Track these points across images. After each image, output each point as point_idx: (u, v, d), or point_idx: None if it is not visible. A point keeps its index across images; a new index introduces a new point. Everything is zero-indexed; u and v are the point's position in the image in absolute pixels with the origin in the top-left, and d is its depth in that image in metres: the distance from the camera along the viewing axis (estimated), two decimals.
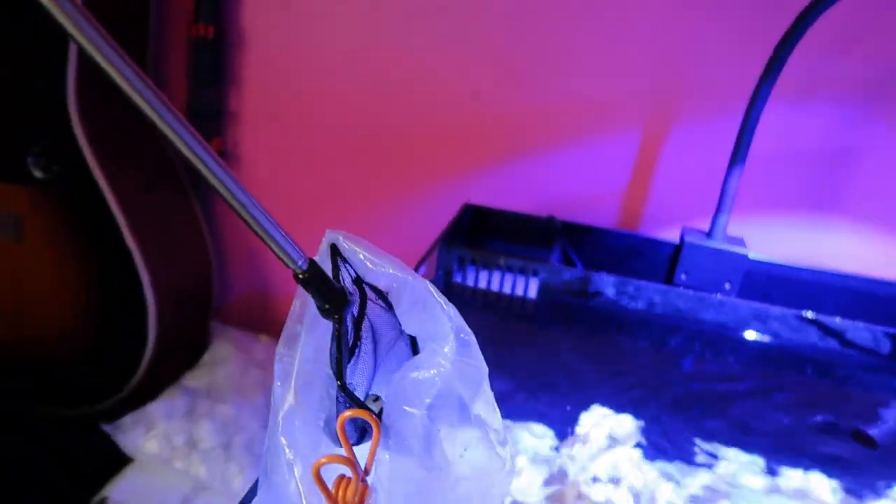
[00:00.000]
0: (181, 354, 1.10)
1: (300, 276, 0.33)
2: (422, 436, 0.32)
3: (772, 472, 0.58)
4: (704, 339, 0.72)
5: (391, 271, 0.34)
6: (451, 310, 0.35)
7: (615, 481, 0.56)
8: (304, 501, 0.31)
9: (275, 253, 0.32)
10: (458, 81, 0.93)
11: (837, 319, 0.71)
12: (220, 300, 1.15)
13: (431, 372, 0.33)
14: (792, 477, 0.58)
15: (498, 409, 0.36)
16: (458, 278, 0.77)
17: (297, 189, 1.06)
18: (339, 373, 0.30)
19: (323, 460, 0.29)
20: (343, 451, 0.31)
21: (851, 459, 0.57)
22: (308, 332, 0.32)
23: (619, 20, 0.85)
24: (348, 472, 0.30)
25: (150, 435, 0.87)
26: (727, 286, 0.79)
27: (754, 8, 0.82)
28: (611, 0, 0.85)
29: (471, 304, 0.74)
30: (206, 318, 1.11)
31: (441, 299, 0.34)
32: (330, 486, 0.30)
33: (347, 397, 0.30)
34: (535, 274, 0.76)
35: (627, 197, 0.93)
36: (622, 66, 0.87)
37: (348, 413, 0.30)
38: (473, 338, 0.35)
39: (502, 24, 0.88)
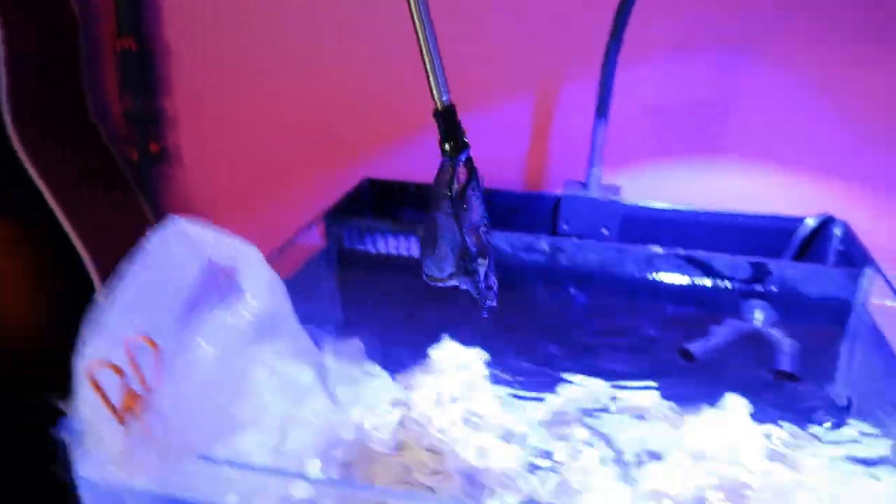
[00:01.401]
0: None
1: (439, 109, 0.43)
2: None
3: (611, 392, 0.64)
4: (571, 280, 0.78)
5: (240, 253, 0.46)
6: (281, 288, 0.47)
7: (461, 401, 0.62)
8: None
9: (430, 81, 0.43)
10: (358, 68, 1.00)
11: (690, 252, 0.76)
12: None
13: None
14: (630, 397, 0.64)
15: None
16: (356, 244, 0.84)
17: (236, 184, 1.14)
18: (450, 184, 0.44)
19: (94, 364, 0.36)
20: None
21: (677, 374, 0.63)
22: None
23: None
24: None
25: None
26: (605, 232, 0.84)
27: None
28: None
29: (362, 267, 0.80)
30: None
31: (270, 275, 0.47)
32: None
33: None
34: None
35: (529, 159, 0.99)
36: (509, 38, 0.93)
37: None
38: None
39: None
